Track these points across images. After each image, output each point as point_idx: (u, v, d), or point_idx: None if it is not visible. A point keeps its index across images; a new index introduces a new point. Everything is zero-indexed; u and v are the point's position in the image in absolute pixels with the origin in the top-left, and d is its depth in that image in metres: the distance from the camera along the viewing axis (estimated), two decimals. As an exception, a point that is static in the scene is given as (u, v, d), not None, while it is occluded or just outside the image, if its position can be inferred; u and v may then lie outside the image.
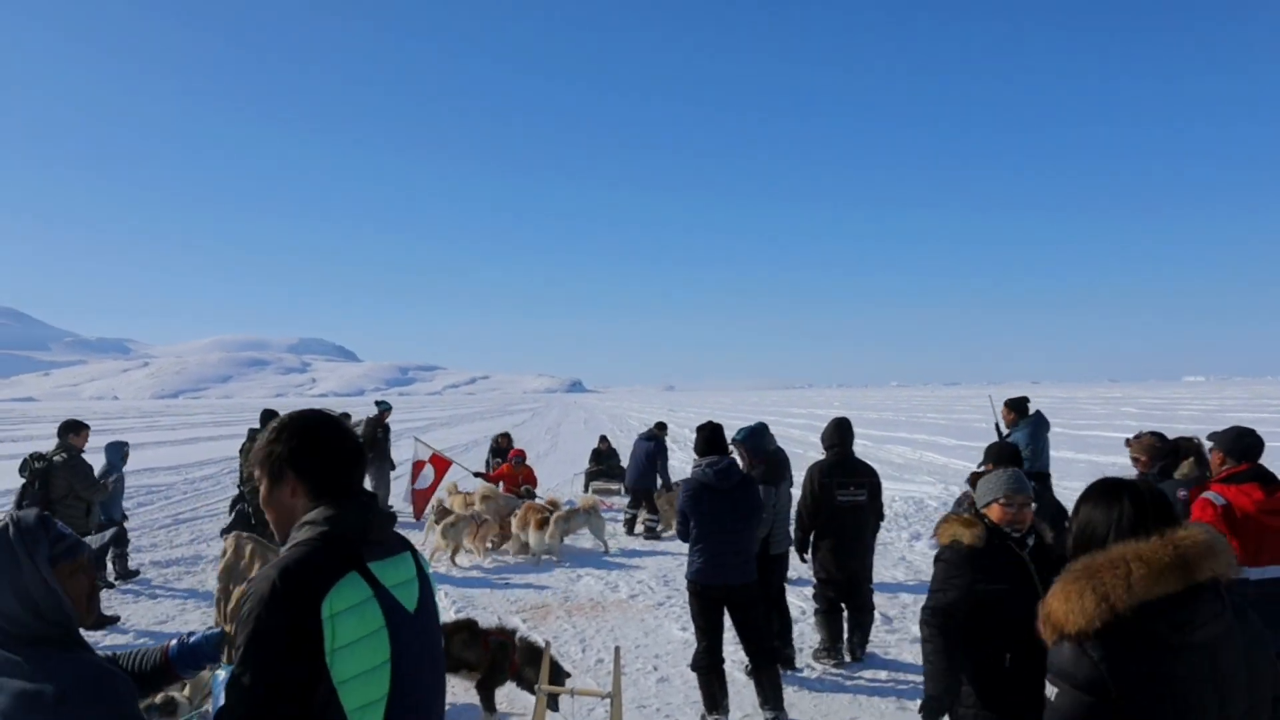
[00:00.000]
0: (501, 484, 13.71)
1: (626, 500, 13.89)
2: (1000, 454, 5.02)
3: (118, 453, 10.18)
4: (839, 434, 7.16)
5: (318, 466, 2.22)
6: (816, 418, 49.44)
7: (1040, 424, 8.95)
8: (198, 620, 8.44)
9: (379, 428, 14.48)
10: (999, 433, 9.32)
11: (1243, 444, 4.43)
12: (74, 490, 8.48)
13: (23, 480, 8.49)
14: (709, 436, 5.96)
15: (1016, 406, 9.13)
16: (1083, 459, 22.11)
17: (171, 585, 9.96)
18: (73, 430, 8.73)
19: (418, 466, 13.69)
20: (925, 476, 18.55)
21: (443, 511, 11.65)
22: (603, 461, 17.69)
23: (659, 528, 12.80)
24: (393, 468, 14.89)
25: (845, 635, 7.04)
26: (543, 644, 5.67)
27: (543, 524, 11.08)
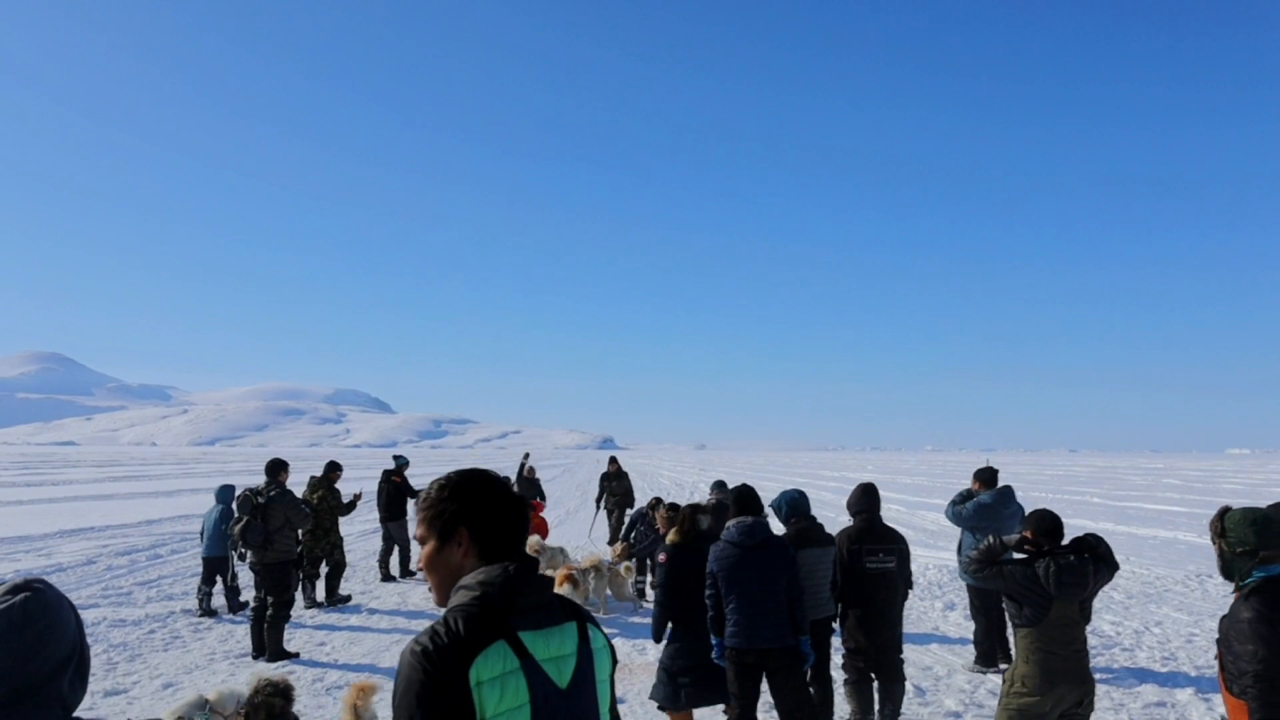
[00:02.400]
0: None
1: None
2: (1039, 524, 4.95)
3: (230, 494, 11.06)
4: (866, 499, 7.06)
5: (491, 526, 2.18)
6: (848, 480, 48.82)
7: (1002, 497, 8.49)
8: (225, 671, 8.47)
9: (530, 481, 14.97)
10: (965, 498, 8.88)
11: None
12: (289, 521, 9.36)
13: (245, 517, 9.25)
14: (737, 497, 5.99)
15: (984, 477, 8.80)
16: (1122, 530, 21.62)
17: (202, 634, 10.00)
18: (282, 469, 9.76)
19: None
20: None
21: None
22: (612, 482, 16.84)
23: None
24: None
25: (876, 707, 6.88)
26: None
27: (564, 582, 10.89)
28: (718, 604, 5.74)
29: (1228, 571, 3.63)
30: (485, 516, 2.16)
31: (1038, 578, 4.75)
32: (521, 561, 2.14)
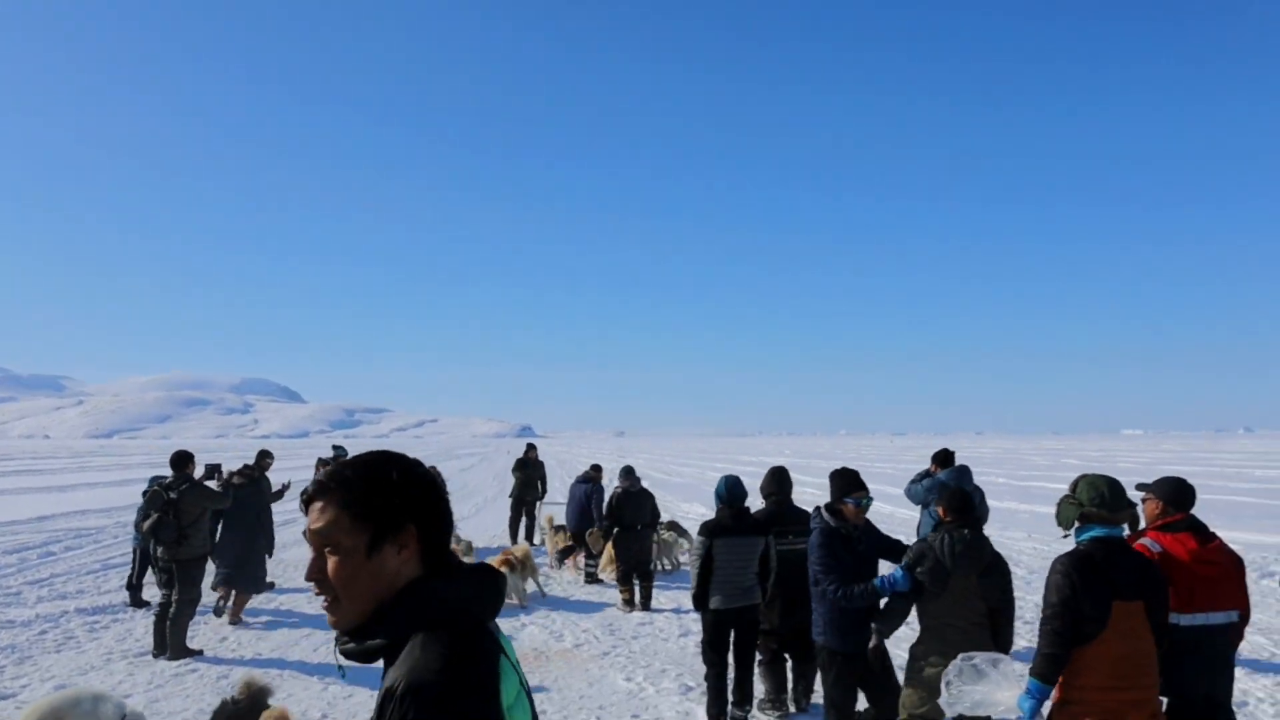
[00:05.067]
0: None
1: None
2: (951, 501, 5.12)
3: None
4: (776, 482, 7.15)
5: (440, 524, 1.76)
6: (763, 465, 49.33)
7: (959, 475, 8.78)
8: (123, 671, 8.11)
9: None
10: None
11: (1182, 494, 4.56)
12: (204, 512, 9.09)
13: (155, 514, 8.81)
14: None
15: (941, 459, 9.13)
16: (1024, 509, 22.48)
17: (98, 633, 9.56)
18: (188, 461, 9.35)
19: None
20: (884, 525, 18.64)
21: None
22: (528, 470, 16.56)
23: (598, 570, 12.76)
24: None
25: (790, 685, 7.00)
26: None
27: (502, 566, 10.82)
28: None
29: (1058, 518, 4.15)
30: (436, 511, 1.74)
31: (935, 552, 4.93)
32: (471, 563, 1.81)
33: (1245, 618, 4.47)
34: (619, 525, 11.12)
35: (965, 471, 8.88)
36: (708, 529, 6.78)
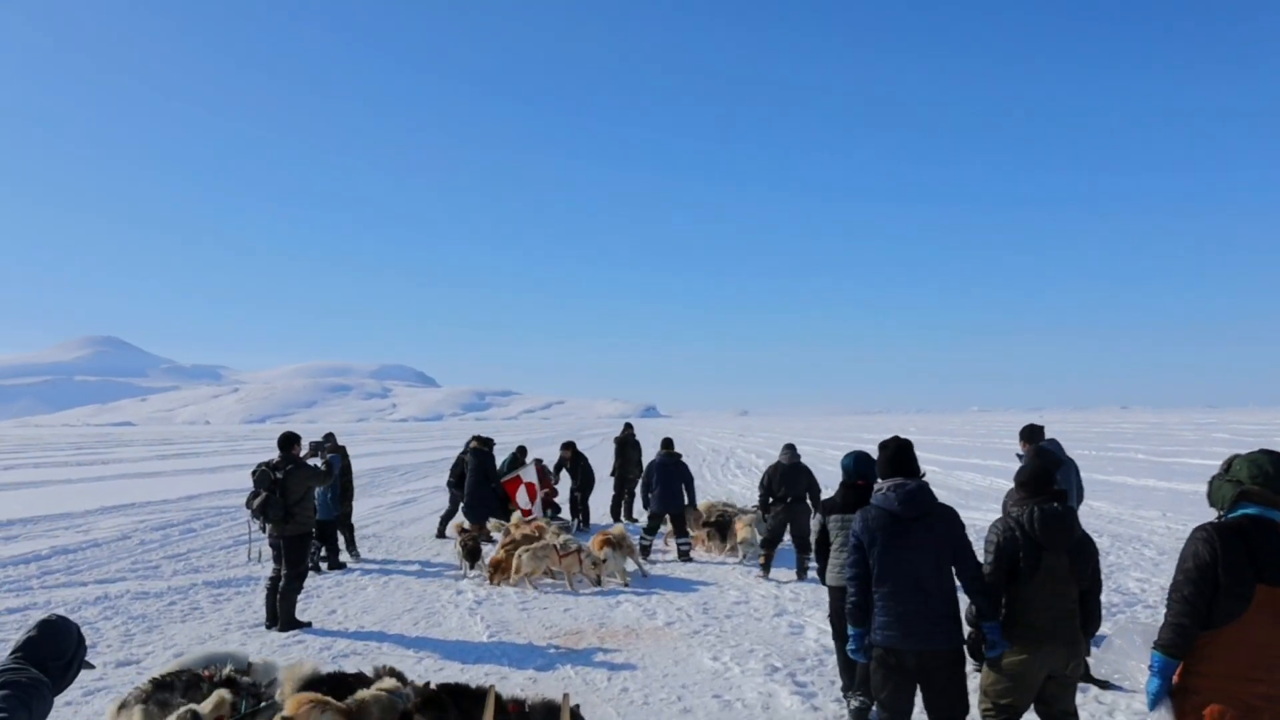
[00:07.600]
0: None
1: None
2: (1018, 475, 4.78)
3: (338, 462, 12.41)
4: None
5: None
6: (888, 443, 48.22)
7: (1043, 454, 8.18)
8: (237, 640, 8.56)
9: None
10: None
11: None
12: (309, 490, 9.53)
13: (264, 492, 9.35)
14: (893, 455, 4.92)
15: (1028, 435, 8.45)
16: (1164, 486, 21.09)
17: (220, 605, 10.14)
18: (295, 442, 9.87)
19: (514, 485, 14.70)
20: (993, 504, 17.85)
21: (469, 541, 11.71)
22: (628, 449, 16.90)
23: (690, 550, 12.73)
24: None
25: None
26: (560, 700, 5.22)
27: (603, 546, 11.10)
28: (864, 587, 4.78)
29: (1211, 498, 3.84)
30: None
31: (1024, 528, 4.58)
32: None
33: None
34: (772, 497, 11.34)
35: (1055, 446, 8.25)
36: (822, 506, 6.67)
